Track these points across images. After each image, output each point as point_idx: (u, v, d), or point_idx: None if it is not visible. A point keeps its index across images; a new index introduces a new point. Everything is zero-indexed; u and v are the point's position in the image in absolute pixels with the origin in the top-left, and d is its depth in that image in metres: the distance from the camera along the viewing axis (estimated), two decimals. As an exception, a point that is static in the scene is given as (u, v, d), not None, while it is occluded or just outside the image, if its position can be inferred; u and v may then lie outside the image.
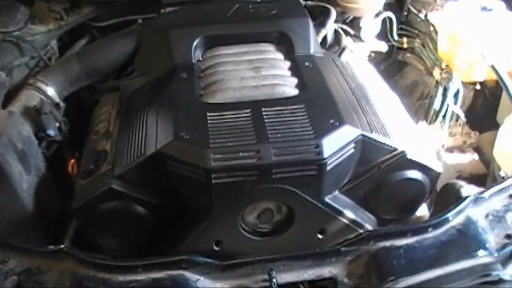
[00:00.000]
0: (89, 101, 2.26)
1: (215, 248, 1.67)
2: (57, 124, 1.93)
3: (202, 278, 1.36)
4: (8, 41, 2.19)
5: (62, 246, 1.43)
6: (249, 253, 1.52)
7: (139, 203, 1.65)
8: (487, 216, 1.52)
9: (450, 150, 2.35)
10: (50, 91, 2.01)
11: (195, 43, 1.98)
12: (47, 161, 1.89)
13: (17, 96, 1.97)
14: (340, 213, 1.70)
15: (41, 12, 2.37)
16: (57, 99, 2.03)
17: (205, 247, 1.65)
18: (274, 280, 1.31)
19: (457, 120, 2.41)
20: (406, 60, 2.70)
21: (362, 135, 1.63)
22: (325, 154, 1.54)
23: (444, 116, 2.39)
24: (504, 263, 1.39)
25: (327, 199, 1.66)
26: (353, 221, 1.72)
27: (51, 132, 1.89)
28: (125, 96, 1.99)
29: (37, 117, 1.88)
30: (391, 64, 2.77)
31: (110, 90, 2.14)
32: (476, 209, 1.52)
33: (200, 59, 1.99)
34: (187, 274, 1.36)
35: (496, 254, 1.40)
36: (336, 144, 1.58)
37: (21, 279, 1.41)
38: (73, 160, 1.91)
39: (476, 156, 2.32)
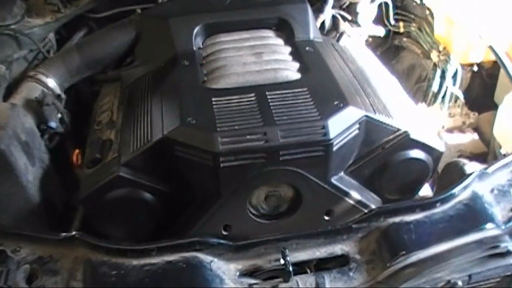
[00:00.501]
0: (88, 92, 2.26)
1: (224, 232, 1.68)
2: (59, 116, 1.94)
3: (216, 260, 1.37)
4: (6, 34, 2.19)
5: (75, 233, 1.43)
6: (257, 237, 1.53)
7: (147, 190, 1.66)
8: (492, 190, 1.55)
9: (450, 130, 2.39)
10: (51, 82, 2.02)
11: (195, 31, 1.99)
12: (50, 153, 1.89)
13: (17, 88, 1.97)
14: (346, 194, 1.71)
15: (37, 5, 2.37)
16: (58, 91, 2.03)
17: (214, 232, 1.65)
18: (288, 258, 1.32)
19: (456, 101, 2.44)
20: (402, 44, 2.73)
21: (366, 116, 1.65)
22: (331, 135, 1.56)
23: (443, 98, 2.42)
24: (512, 235, 1.42)
25: (333, 180, 1.68)
26: (359, 202, 1.74)
27: (53, 124, 1.89)
28: (127, 86, 2.00)
29: (39, 109, 1.88)
30: (387, 49, 2.80)
31: (111, 80, 2.14)
32: (482, 184, 1.55)
33: (201, 46, 2.00)
34: (201, 255, 1.37)
35: (503, 227, 1.43)
36: (342, 125, 1.60)
37: (33, 268, 1.41)
38: (77, 151, 1.90)
39: (475, 136, 2.36)
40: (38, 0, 2.38)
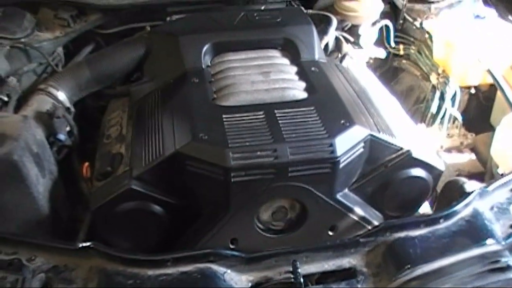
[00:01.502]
0: (94, 107, 2.29)
1: (231, 246, 1.72)
2: (68, 129, 1.97)
3: (229, 271, 1.41)
4: (16, 47, 2.23)
5: (90, 243, 1.46)
6: (267, 249, 1.56)
7: (157, 203, 1.70)
8: (492, 208, 1.60)
9: (448, 150, 2.45)
10: (61, 96, 2.05)
11: (204, 49, 2.04)
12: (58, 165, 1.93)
13: (28, 101, 2.00)
14: (351, 210, 1.76)
15: (47, 19, 2.41)
16: (67, 104, 2.07)
17: (221, 245, 1.69)
18: (299, 270, 1.36)
19: (454, 122, 2.50)
20: (402, 66, 2.79)
21: (371, 135, 1.71)
22: (338, 153, 1.61)
23: (442, 119, 2.48)
24: (511, 250, 1.48)
25: (338, 196, 1.73)
26: (362, 218, 1.79)
27: (62, 136, 1.92)
28: (136, 101, 2.04)
29: (49, 121, 1.91)
30: (387, 70, 2.86)
31: (119, 95, 2.18)
32: (482, 202, 1.61)
33: (209, 64, 2.05)
34: (214, 267, 1.40)
35: (503, 243, 1.49)
36: (348, 143, 1.65)
37: (48, 277, 1.43)
38: (86, 163, 1.94)
39: (473, 156, 2.42)
40: (48, 14, 2.42)
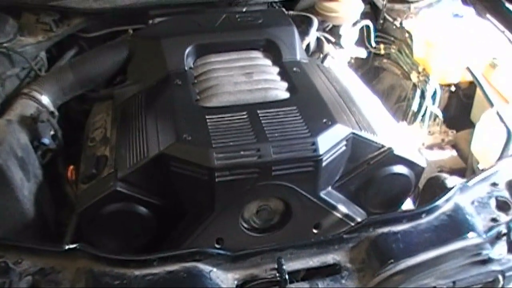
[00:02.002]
0: (78, 110, 2.29)
1: (216, 245, 1.74)
2: (52, 133, 1.97)
3: (214, 269, 1.43)
4: None
5: (76, 244, 1.47)
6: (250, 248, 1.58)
7: (143, 204, 1.71)
8: (473, 202, 1.64)
9: (430, 147, 2.48)
10: (45, 100, 2.04)
11: (187, 51, 2.06)
12: (43, 169, 1.93)
13: (12, 105, 1.99)
14: (334, 208, 1.79)
15: (29, 24, 2.40)
16: (51, 108, 2.06)
17: (207, 245, 1.70)
18: (284, 267, 1.38)
19: (435, 120, 2.54)
20: (383, 65, 2.82)
21: (353, 133, 1.74)
22: (321, 151, 1.64)
23: (423, 117, 2.52)
24: (492, 243, 1.52)
25: (322, 194, 1.76)
26: (346, 215, 1.82)
27: (46, 140, 1.92)
28: (120, 104, 2.04)
29: (33, 125, 1.91)
30: (368, 70, 2.90)
31: (103, 98, 2.18)
32: (463, 196, 1.64)
33: (192, 66, 2.07)
34: (201, 265, 1.42)
35: (484, 236, 1.52)
36: (330, 141, 1.68)
37: (36, 279, 1.43)
38: (71, 167, 1.94)
39: (454, 153, 2.45)
40: (30, 19, 2.41)
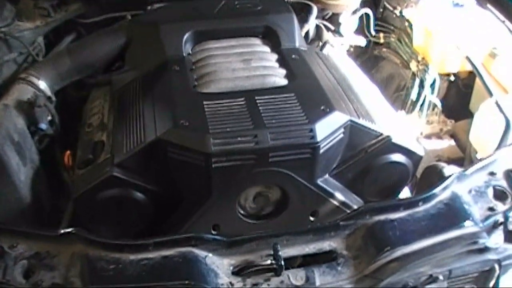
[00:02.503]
0: (75, 96, 2.29)
1: (213, 232, 1.73)
2: (49, 118, 1.97)
3: (210, 255, 1.42)
4: None
5: (72, 229, 1.46)
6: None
7: (139, 190, 1.71)
8: (470, 191, 1.63)
9: (428, 137, 2.48)
10: (42, 85, 2.04)
11: (185, 37, 2.05)
12: (40, 154, 1.93)
13: (9, 90, 1.99)
14: (331, 195, 1.79)
15: (27, 9, 2.39)
16: (49, 93, 2.06)
17: (203, 231, 1.69)
18: (279, 253, 1.38)
19: (433, 109, 2.53)
20: (382, 54, 2.82)
21: (351, 120, 1.73)
22: (319, 138, 1.63)
23: (421, 106, 2.51)
24: (489, 232, 1.51)
25: (319, 182, 1.75)
26: (343, 203, 1.82)
27: (43, 125, 1.92)
28: (117, 90, 2.04)
29: (30, 110, 1.91)
30: (368, 58, 2.89)
31: (100, 84, 2.17)
32: (460, 185, 1.63)
33: (190, 52, 2.06)
34: (196, 250, 1.41)
35: (481, 225, 1.51)
36: (328, 128, 1.67)
37: (31, 263, 1.42)
38: (68, 152, 1.94)
39: (452, 142, 2.46)
40: (28, 4, 2.40)
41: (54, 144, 2.03)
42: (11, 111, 1.83)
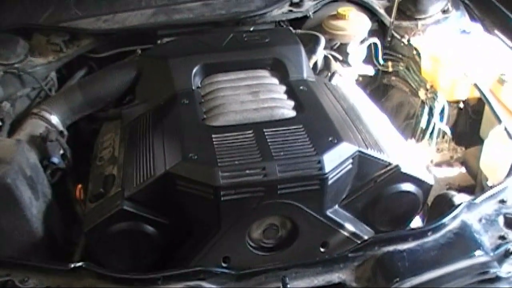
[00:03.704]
0: (87, 130, 2.32)
1: (223, 264, 1.73)
2: (61, 152, 2.00)
3: (219, 288, 1.43)
4: (10, 73, 2.27)
5: (82, 263, 1.48)
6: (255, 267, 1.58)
7: (150, 223, 1.72)
8: (480, 220, 1.62)
9: (438, 164, 2.47)
10: (54, 119, 2.08)
11: (194, 71, 2.08)
12: (52, 188, 1.95)
13: (22, 125, 2.04)
14: (341, 226, 1.78)
15: (40, 44, 2.45)
16: (61, 127, 2.10)
17: (213, 263, 1.70)
18: (288, 286, 1.38)
19: (443, 137, 2.52)
20: (391, 83, 2.82)
21: (359, 151, 1.73)
22: (327, 169, 1.63)
23: (431, 134, 2.50)
24: (500, 261, 1.49)
25: (328, 213, 1.75)
26: (353, 234, 1.81)
27: (55, 159, 1.95)
28: (128, 123, 2.07)
29: (42, 145, 1.94)
30: (377, 87, 2.90)
31: (111, 118, 2.20)
32: (470, 214, 1.63)
33: (199, 85, 2.08)
34: (205, 284, 1.42)
35: (492, 254, 1.50)
36: (336, 160, 1.67)
37: (41, 298, 1.45)
38: (80, 185, 1.96)
39: (463, 169, 2.44)
40: (41, 40, 2.46)
41: (67, 177, 2.05)
42: (24, 146, 1.86)
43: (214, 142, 1.71)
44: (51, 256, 1.84)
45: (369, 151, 1.76)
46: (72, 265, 1.47)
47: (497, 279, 1.46)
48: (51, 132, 1.99)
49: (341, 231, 1.79)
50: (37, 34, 2.49)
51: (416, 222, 2.01)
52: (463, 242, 1.54)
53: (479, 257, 1.49)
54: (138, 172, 1.75)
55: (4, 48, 2.34)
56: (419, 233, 1.55)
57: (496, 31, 2.57)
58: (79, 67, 2.51)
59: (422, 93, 2.52)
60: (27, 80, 2.30)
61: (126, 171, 1.80)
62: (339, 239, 1.80)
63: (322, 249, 1.80)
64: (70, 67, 2.51)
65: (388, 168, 1.79)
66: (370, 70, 2.67)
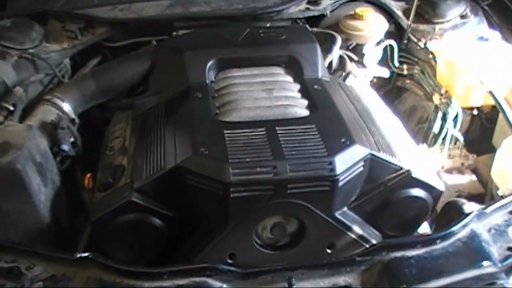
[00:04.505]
0: (99, 118, 2.32)
1: (229, 261, 1.73)
2: (72, 139, 1.99)
3: (224, 286, 1.42)
4: (24, 58, 2.27)
5: (88, 253, 1.47)
6: (261, 266, 1.56)
7: (157, 216, 1.71)
8: (489, 230, 1.61)
9: (449, 171, 2.44)
10: (66, 107, 2.08)
11: (209, 65, 2.07)
12: (61, 175, 1.95)
13: (33, 111, 2.03)
14: (349, 229, 1.77)
15: (55, 31, 2.45)
16: (72, 115, 2.10)
17: (219, 259, 1.71)
18: (294, 287, 1.37)
19: (455, 143, 2.50)
20: (405, 86, 2.80)
21: (371, 154, 1.72)
22: (338, 171, 1.62)
23: (443, 139, 2.49)
24: (508, 273, 1.47)
25: (337, 214, 1.74)
26: (361, 237, 1.80)
27: (65, 147, 1.95)
28: (140, 114, 2.06)
29: (53, 132, 1.94)
30: (390, 90, 2.88)
31: (123, 108, 2.20)
32: (480, 223, 1.61)
33: (213, 80, 2.07)
34: (211, 281, 1.41)
35: (499, 265, 1.49)
36: (348, 162, 1.66)
37: (46, 285, 1.44)
38: (89, 174, 1.95)
39: (474, 177, 2.41)
40: (56, 26, 2.46)
41: (76, 165, 2.05)
42: (35, 132, 1.86)
43: (226, 138, 1.70)
44: (56, 242, 1.84)
45: (381, 155, 1.74)
46: (79, 255, 1.46)
47: (503, 290, 1.45)
48: (62, 120, 1.99)
49: (349, 233, 1.78)
50: (52, 20, 2.49)
51: (425, 228, 2.00)
52: (472, 251, 1.53)
53: (486, 267, 1.47)
54: (148, 164, 1.74)
55: (19, 32, 2.34)
56: (428, 240, 1.54)
57: (514, 39, 2.55)
58: (93, 55, 2.50)
59: (436, 98, 2.50)
60: (41, 66, 2.29)
61: (136, 163, 1.80)
62: (346, 241, 1.79)
63: (328, 250, 1.79)
64: (84, 55, 2.50)
65: (399, 172, 1.78)
66: (385, 72, 2.65)
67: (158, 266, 1.48)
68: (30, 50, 2.31)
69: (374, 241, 1.81)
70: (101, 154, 2.01)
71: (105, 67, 2.30)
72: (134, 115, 2.09)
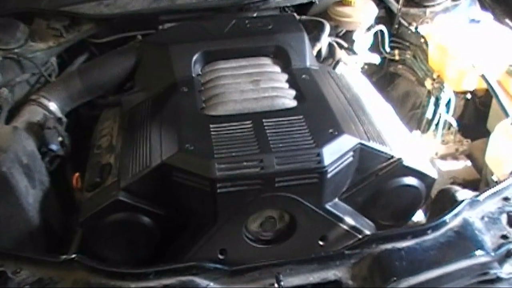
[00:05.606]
0: (87, 116, 2.29)
1: (220, 256, 1.71)
2: (60, 139, 1.97)
3: (211, 284, 1.40)
4: (9, 58, 2.24)
5: (74, 255, 1.46)
6: (252, 261, 1.55)
7: (145, 214, 1.69)
8: (482, 218, 1.58)
9: (443, 157, 2.41)
10: (53, 106, 2.06)
11: (194, 58, 2.04)
12: (50, 176, 1.93)
13: (20, 112, 2.01)
14: (341, 220, 1.75)
15: (40, 29, 2.41)
16: (59, 114, 2.08)
17: (210, 255, 1.69)
18: (282, 283, 1.35)
19: (449, 129, 2.47)
20: (397, 71, 2.77)
21: (360, 143, 1.69)
22: (326, 162, 1.59)
23: (437, 125, 2.45)
24: (501, 262, 1.46)
25: (328, 206, 1.72)
26: (353, 227, 1.78)
27: (54, 146, 1.93)
28: (127, 111, 2.03)
29: (40, 132, 1.92)
30: (383, 76, 2.84)
31: (111, 105, 2.18)
32: (472, 211, 1.59)
33: (200, 73, 2.04)
34: (197, 280, 1.39)
35: (493, 254, 1.46)
36: (336, 152, 1.64)
37: (33, 289, 1.43)
38: (77, 174, 1.93)
39: (468, 163, 2.38)
40: (41, 25, 2.42)
41: (66, 164, 2.03)
42: (21, 134, 1.84)
43: (212, 133, 1.68)
44: (48, 244, 1.83)
45: (371, 144, 1.72)
46: (64, 257, 1.45)
47: (498, 280, 1.42)
48: (49, 119, 1.97)
49: (341, 224, 1.75)
50: (37, 18, 2.45)
51: (419, 216, 1.98)
52: (464, 241, 1.50)
53: (479, 257, 1.45)
54: (135, 162, 1.72)
55: (3, 33, 2.31)
56: (419, 231, 1.51)
57: (507, 21, 2.50)
58: (80, 53, 2.47)
59: (428, 83, 2.46)
60: (27, 66, 2.26)
61: (123, 161, 1.78)
62: (339, 232, 1.77)
63: (321, 243, 1.77)
64: (71, 52, 2.47)
65: (390, 161, 1.75)
66: (376, 58, 2.61)
67: (145, 266, 1.46)
68: (16, 50, 2.28)
69: (367, 232, 1.79)
70: (89, 153, 1.98)
71: (91, 65, 2.28)
72: (121, 112, 2.06)
